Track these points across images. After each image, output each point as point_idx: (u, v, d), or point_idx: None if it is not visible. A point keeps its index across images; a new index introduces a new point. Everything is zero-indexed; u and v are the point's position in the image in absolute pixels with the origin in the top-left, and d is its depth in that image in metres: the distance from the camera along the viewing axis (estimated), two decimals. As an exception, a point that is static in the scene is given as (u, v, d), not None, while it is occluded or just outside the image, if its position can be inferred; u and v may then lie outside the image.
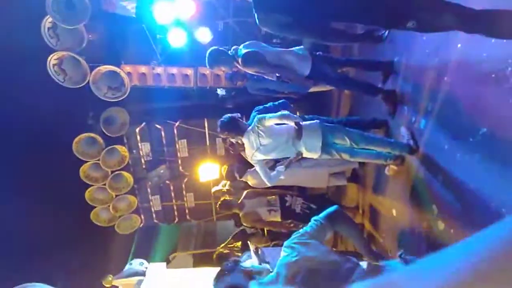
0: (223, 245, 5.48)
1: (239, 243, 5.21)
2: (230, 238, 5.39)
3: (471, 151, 2.40)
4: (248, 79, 4.67)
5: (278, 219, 4.52)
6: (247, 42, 3.65)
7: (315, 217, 1.98)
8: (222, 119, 3.40)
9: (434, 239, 2.83)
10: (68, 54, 4.90)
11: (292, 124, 3.26)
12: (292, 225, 4.51)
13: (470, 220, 2.40)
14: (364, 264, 2.15)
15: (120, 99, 5.47)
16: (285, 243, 1.94)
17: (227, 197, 5.00)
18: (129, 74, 5.50)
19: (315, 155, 3.30)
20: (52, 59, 4.91)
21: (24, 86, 5.02)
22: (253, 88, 4.79)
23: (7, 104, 4.94)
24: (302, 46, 3.70)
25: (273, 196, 4.57)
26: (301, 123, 3.25)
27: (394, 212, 3.65)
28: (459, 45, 2.56)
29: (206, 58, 3.72)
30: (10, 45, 4.67)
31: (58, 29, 4.81)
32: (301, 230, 2.02)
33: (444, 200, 2.72)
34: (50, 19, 4.66)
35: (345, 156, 3.33)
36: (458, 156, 2.54)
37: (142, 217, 6.84)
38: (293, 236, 1.96)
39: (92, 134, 5.64)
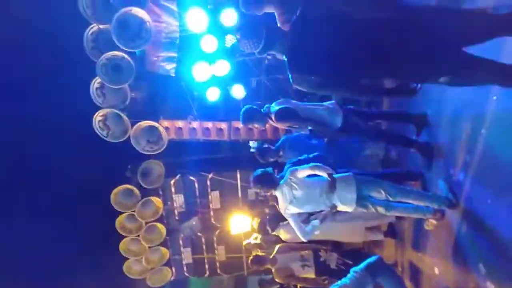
0: None
1: None
2: None
3: (517, 205, 2.28)
4: (281, 156, 4.36)
5: (312, 275, 4.34)
6: (279, 100, 3.80)
7: (354, 268, 1.91)
8: (255, 173, 3.44)
9: (484, 302, 2.62)
10: (112, 111, 5.26)
11: (325, 175, 3.26)
12: (326, 281, 4.31)
13: (523, 281, 2.22)
14: None
15: (157, 152, 5.71)
16: None
17: (259, 252, 4.90)
18: (167, 128, 5.78)
19: (349, 208, 3.23)
20: (98, 116, 5.28)
21: (71, 140, 5.39)
22: (283, 160, 4.37)
23: (54, 155, 5.30)
24: (333, 101, 3.80)
25: (307, 251, 4.43)
26: (334, 175, 3.24)
27: (436, 270, 3.44)
28: (494, 97, 2.54)
29: (241, 115, 3.88)
30: (61, 102, 5.11)
31: (105, 89, 5.22)
32: (339, 282, 1.95)
33: (492, 258, 2.55)
34: (98, 80, 5.09)
35: (381, 210, 3.24)
36: (503, 210, 2.42)
37: (173, 269, 6.77)
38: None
39: (130, 186, 5.84)
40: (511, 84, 2.01)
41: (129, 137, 5.46)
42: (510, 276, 2.36)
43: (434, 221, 3.32)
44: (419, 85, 3.53)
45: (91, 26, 4.96)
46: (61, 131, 5.38)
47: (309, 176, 3.36)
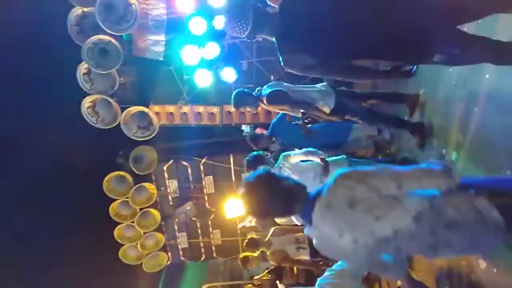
0: (257, 277, 5.32)
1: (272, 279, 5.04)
2: (265, 272, 5.24)
3: (510, 184, 2.28)
4: (274, 142, 4.34)
5: (307, 257, 4.38)
6: (270, 83, 3.74)
7: None
8: (248, 158, 3.41)
9: (476, 279, 2.66)
10: (101, 97, 5.15)
11: (317, 160, 3.24)
12: (321, 263, 4.36)
13: (515, 259, 2.24)
14: None
15: (148, 138, 5.65)
16: (318, 281, 1.88)
17: (254, 235, 4.92)
18: (157, 113, 5.70)
19: (343, 191, 3.23)
20: (87, 102, 5.18)
21: (59, 128, 5.29)
22: (276, 148, 4.38)
23: (44, 144, 5.21)
24: (325, 83, 3.74)
25: (302, 234, 4.46)
26: (327, 159, 3.22)
27: (429, 249, 3.47)
28: (487, 76, 2.51)
29: (232, 99, 3.81)
30: (48, 90, 4.99)
31: (92, 74, 5.10)
32: (334, 266, 1.94)
33: (484, 236, 2.57)
34: (85, 65, 4.96)
35: (374, 191, 3.24)
36: (496, 190, 2.43)
37: (169, 254, 6.81)
38: (326, 274, 1.89)
39: (122, 173, 5.79)
40: (503, 62, 1.97)
41: (119, 123, 5.38)
42: (501, 253, 2.39)
43: (426, 201, 3.33)
44: (414, 67, 3.47)
45: (74, 9, 4.80)
46: (49, 118, 5.27)
47: (301, 161, 3.34)
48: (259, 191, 1.56)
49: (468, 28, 1.86)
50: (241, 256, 4.75)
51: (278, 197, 1.54)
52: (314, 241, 1.61)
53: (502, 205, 1.34)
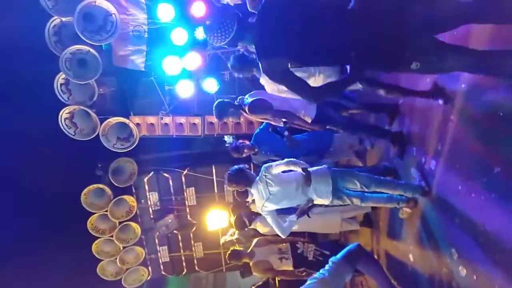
0: None
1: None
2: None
3: (487, 191, 2.33)
4: (257, 153, 4.37)
5: (290, 267, 4.34)
6: (252, 92, 3.74)
7: (333, 258, 1.89)
8: (229, 171, 3.37)
9: (457, 286, 2.68)
10: (79, 108, 5.04)
11: (299, 170, 3.24)
12: (304, 273, 4.32)
13: (493, 264, 2.27)
14: None
15: (128, 149, 5.54)
16: None
17: (237, 247, 4.85)
18: (137, 125, 5.61)
19: (326, 201, 3.23)
20: (64, 113, 5.05)
21: (36, 139, 5.14)
22: (259, 160, 4.44)
23: (19, 156, 5.04)
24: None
25: (284, 244, 4.43)
26: (308, 169, 3.22)
27: (411, 257, 3.50)
28: (463, 85, 2.58)
29: (214, 110, 3.79)
30: (24, 100, 4.85)
31: (70, 85, 4.99)
32: (317, 275, 1.93)
33: (464, 243, 2.60)
34: (63, 76, 4.86)
35: (356, 201, 3.26)
36: (474, 196, 2.47)
37: (150, 269, 6.64)
38: (308, 282, 1.87)
39: (101, 185, 5.64)
40: (478, 71, 2.03)
41: (98, 134, 5.27)
42: (480, 259, 2.42)
43: (408, 209, 3.36)
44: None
45: (52, 19, 4.71)
46: (25, 130, 5.11)
47: (283, 172, 3.33)
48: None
49: (445, 37, 1.91)
50: (229, 251, 4.63)
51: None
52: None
53: None
